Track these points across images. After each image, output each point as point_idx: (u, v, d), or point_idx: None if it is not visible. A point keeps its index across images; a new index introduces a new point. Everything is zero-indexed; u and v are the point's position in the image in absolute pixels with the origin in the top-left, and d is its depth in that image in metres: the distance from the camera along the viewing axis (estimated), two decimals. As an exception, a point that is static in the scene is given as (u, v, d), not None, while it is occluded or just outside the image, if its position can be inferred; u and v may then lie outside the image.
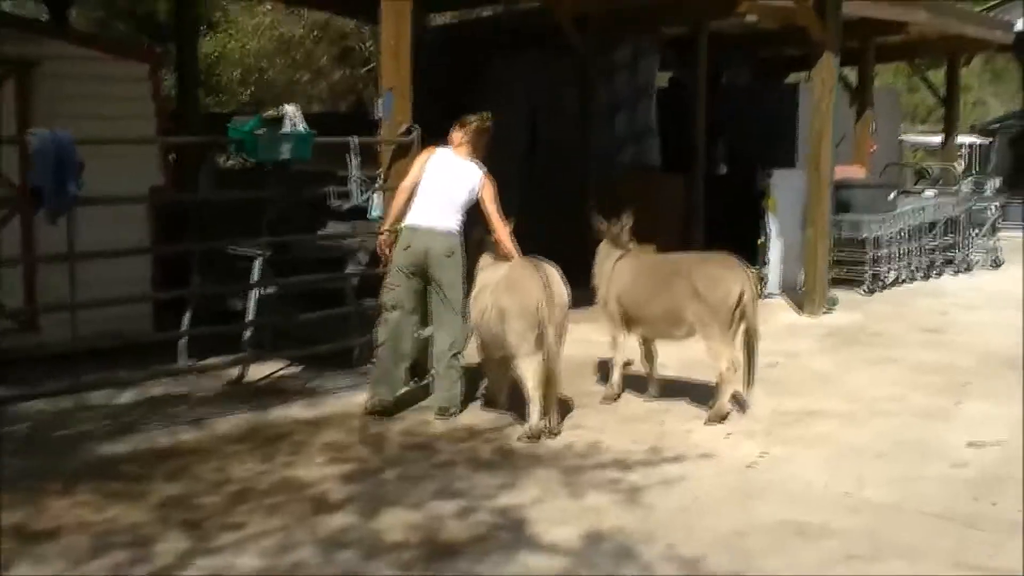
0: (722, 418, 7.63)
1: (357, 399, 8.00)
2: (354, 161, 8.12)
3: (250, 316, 8.57)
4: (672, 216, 13.66)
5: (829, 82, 11.89)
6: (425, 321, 7.75)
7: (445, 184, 7.71)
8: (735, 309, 7.62)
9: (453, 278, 7.57)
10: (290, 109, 7.62)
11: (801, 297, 12.31)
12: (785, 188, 12.92)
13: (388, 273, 7.69)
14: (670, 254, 8.48)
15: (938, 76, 21.92)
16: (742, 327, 7.69)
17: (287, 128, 7.61)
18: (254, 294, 8.59)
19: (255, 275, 8.62)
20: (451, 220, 7.64)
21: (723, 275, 7.70)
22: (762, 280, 12.51)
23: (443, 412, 7.62)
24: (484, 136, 7.89)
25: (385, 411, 7.61)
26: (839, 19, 11.95)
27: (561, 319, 7.06)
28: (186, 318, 8.91)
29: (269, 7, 19.93)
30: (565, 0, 13.27)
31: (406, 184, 7.76)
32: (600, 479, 6.38)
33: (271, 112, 7.64)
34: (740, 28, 14.83)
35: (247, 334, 8.56)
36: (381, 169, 8.59)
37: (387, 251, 7.73)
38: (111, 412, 7.68)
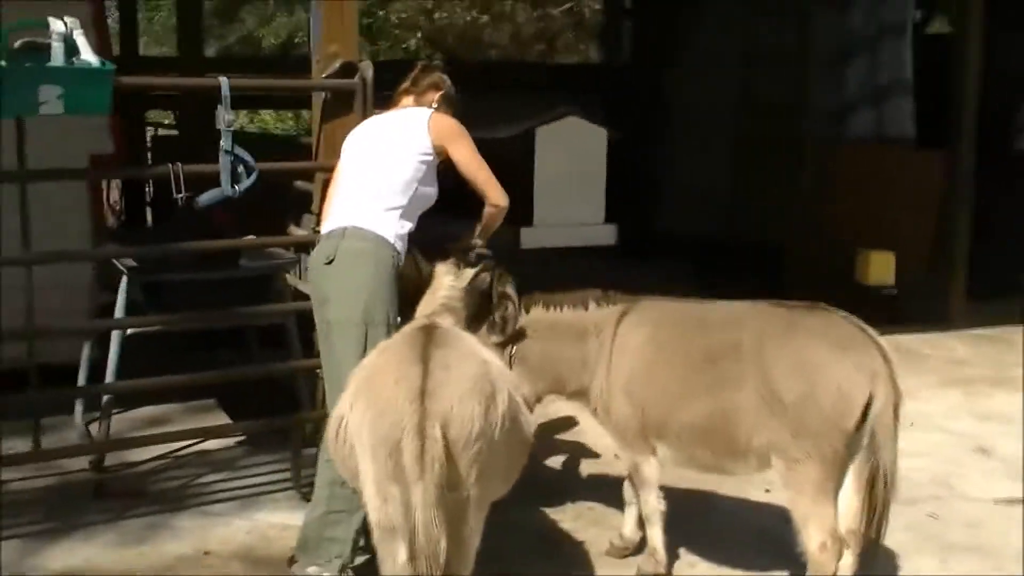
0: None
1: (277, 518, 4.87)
2: (224, 119, 4.64)
3: (111, 373, 5.32)
4: (921, 213, 9.26)
5: None
6: None
7: (371, 158, 4.34)
8: (856, 431, 3.75)
9: (349, 313, 4.12)
10: (61, 25, 4.22)
11: None
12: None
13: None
14: (720, 304, 4.35)
15: None
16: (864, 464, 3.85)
17: (57, 59, 4.22)
18: (117, 336, 5.35)
19: (119, 304, 5.41)
20: (381, 218, 4.20)
21: (831, 362, 3.80)
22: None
23: None
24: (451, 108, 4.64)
25: None
26: None
27: (467, 463, 3.29)
28: (84, 354, 5.86)
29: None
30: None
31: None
32: None
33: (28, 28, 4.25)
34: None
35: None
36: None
37: None
38: None
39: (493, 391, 3.37)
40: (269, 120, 20.14)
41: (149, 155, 10.97)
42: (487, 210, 4.34)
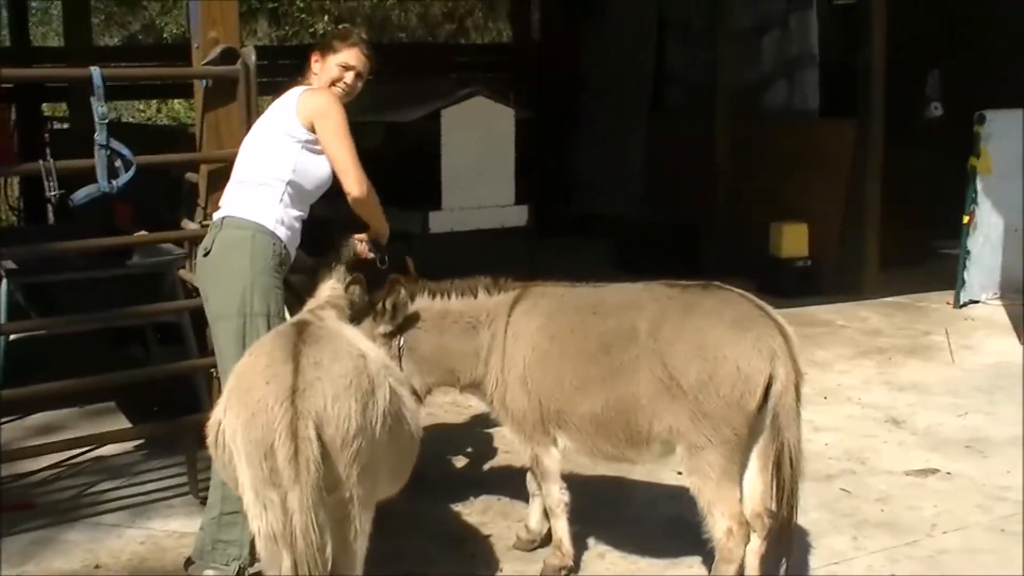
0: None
1: (172, 525, 4.67)
2: (97, 111, 4.40)
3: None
4: (833, 186, 9.24)
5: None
6: None
7: (250, 146, 4.19)
8: (758, 412, 3.65)
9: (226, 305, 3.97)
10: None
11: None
12: (1010, 138, 8.56)
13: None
14: (615, 287, 4.21)
15: None
16: (768, 445, 3.74)
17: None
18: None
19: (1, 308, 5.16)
20: (258, 205, 4.03)
21: (729, 343, 3.67)
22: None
23: None
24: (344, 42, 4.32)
25: None
26: None
27: (347, 462, 3.14)
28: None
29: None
30: None
31: None
32: None
33: None
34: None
35: None
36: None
37: None
38: None
39: (372, 387, 3.23)
40: (180, 109, 19.62)
41: (47, 149, 10.57)
42: (350, 203, 4.09)
